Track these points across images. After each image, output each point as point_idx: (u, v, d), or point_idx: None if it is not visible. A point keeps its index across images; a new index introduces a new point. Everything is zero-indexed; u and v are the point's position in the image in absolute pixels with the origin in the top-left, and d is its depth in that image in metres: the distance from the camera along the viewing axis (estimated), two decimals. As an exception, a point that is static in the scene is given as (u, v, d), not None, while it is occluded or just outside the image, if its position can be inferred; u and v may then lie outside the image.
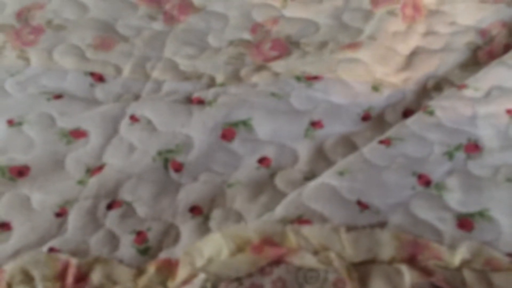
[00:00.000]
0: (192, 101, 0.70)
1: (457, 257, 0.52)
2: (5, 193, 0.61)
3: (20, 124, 0.66)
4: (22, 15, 0.78)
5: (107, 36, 0.78)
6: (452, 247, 0.53)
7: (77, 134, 0.66)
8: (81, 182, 0.61)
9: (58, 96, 0.70)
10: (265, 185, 0.61)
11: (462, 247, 0.52)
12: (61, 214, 0.59)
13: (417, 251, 0.53)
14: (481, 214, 0.56)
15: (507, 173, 0.58)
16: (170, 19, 0.82)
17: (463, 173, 0.59)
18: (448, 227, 0.55)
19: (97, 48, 0.77)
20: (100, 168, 0.62)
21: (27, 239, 0.56)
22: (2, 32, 0.76)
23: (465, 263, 0.51)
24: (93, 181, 0.61)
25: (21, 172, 0.63)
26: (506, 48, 0.73)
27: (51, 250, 0.55)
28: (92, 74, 0.73)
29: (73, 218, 0.58)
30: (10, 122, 0.66)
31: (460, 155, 0.60)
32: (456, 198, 0.57)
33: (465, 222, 0.55)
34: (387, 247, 0.52)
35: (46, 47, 0.75)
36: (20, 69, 0.72)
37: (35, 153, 0.64)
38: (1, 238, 0.57)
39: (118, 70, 0.75)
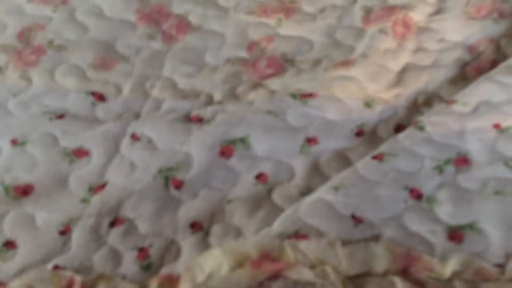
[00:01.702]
0: (191, 119, 0.71)
1: (448, 269, 0.54)
2: (10, 211, 0.63)
3: (23, 143, 0.68)
4: (24, 36, 0.80)
5: (107, 56, 0.80)
6: (443, 258, 0.55)
7: (80, 153, 0.67)
8: (84, 201, 0.63)
9: (60, 116, 0.72)
10: (262, 200, 0.63)
11: (453, 258, 0.54)
12: (65, 232, 0.61)
13: (409, 263, 0.55)
14: (471, 226, 0.58)
15: (495, 186, 0.61)
16: (168, 39, 0.84)
17: (453, 187, 0.61)
18: (439, 239, 0.57)
19: (98, 68, 0.78)
20: (102, 186, 0.64)
21: (32, 256, 0.58)
22: (4, 53, 0.78)
23: (455, 274, 0.53)
24: (96, 199, 0.63)
25: (25, 191, 0.64)
26: (493, 64, 0.75)
27: (56, 267, 0.57)
28: (93, 94, 0.75)
29: (77, 236, 0.60)
30: (14, 142, 0.68)
31: (450, 169, 0.62)
32: (447, 211, 0.59)
33: (455, 235, 0.57)
34: (381, 260, 0.54)
35: (48, 68, 0.77)
36: (22, 89, 0.74)
37: (39, 172, 0.66)
38: (7, 256, 0.58)
39: (119, 89, 0.76)
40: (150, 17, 0.85)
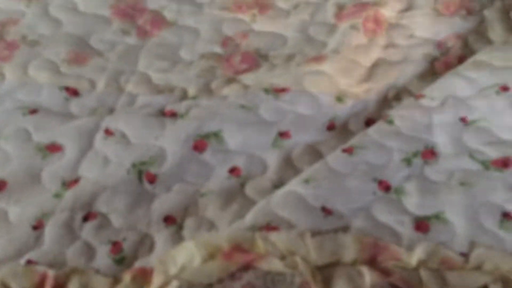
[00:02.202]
0: (165, 114, 0.72)
1: (414, 258, 0.56)
2: (-18, 207, 0.63)
3: (-4, 139, 0.68)
4: (-4, 30, 0.80)
5: (81, 51, 0.80)
6: (410, 248, 0.56)
7: (53, 148, 0.67)
8: (57, 195, 0.63)
9: (34, 111, 0.71)
10: (236, 194, 0.64)
11: (419, 248, 0.56)
12: (38, 227, 0.61)
13: (377, 253, 0.56)
14: (437, 216, 0.60)
15: (460, 177, 0.63)
16: (143, 34, 0.84)
17: (420, 178, 0.63)
18: (406, 230, 0.58)
19: (72, 63, 0.78)
20: (76, 181, 0.64)
21: (5, 251, 0.58)
22: (-23, 48, 0.78)
23: (421, 263, 0.55)
24: (69, 194, 0.63)
25: (-2, 186, 0.65)
26: (460, 59, 0.77)
27: (29, 262, 0.57)
28: (67, 89, 0.75)
29: (50, 231, 0.60)
30: (-13, 137, 0.69)
31: (418, 161, 0.64)
32: (414, 202, 0.61)
33: (421, 225, 0.59)
34: (349, 250, 0.56)
35: (21, 62, 0.77)
36: (-5, 84, 0.74)
37: (12, 168, 0.65)
38: (-20, 251, 0.59)
39: (93, 84, 0.76)
40: (124, 12, 0.86)
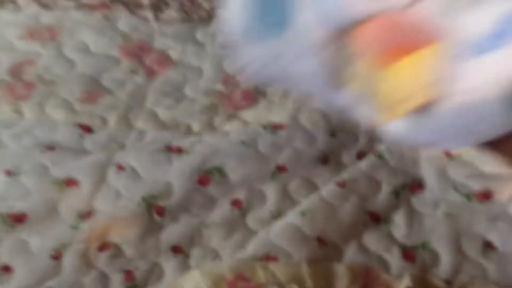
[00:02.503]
0: (171, 150, 0.77)
1: (402, 285, 0.61)
2: (5, 238, 0.68)
3: (17, 174, 0.73)
4: (15, 71, 0.85)
5: (94, 90, 0.85)
6: (398, 276, 0.62)
7: (69, 182, 0.73)
8: (74, 227, 0.68)
9: (51, 147, 0.77)
10: (237, 224, 0.69)
11: (407, 276, 0.61)
12: (57, 256, 0.66)
13: (368, 281, 0.61)
14: (423, 246, 0.65)
15: (445, 208, 0.68)
16: (150, 73, 0.89)
17: (408, 209, 0.68)
18: (395, 259, 0.64)
19: (85, 101, 0.83)
20: (91, 213, 0.70)
21: (27, 280, 0.63)
22: (-3, 87, 0.84)
23: (408, 290, 0.61)
24: (85, 226, 0.68)
25: (19, 218, 0.70)
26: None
27: (49, 290, 0.62)
28: (81, 126, 0.80)
29: (68, 260, 0.65)
30: (8, 173, 0.73)
31: (405, 193, 0.70)
32: (402, 232, 0.66)
33: (409, 254, 0.64)
34: (343, 279, 0.61)
35: (38, 101, 0.82)
36: (14, 122, 0.79)
37: (31, 201, 0.71)
38: (3, 279, 0.63)
39: (104, 121, 0.81)
40: (133, 53, 0.91)
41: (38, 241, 0.68)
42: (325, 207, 0.67)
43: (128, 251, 0.66)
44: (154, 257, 0.66)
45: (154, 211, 0.70)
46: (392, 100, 0.35)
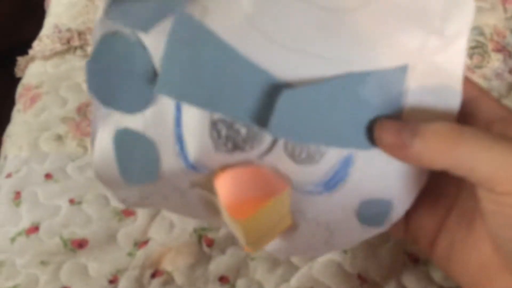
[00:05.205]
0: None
1: (440, 325, 0.63)
2: (66, 262, 0.74)
3: (79, 203, 0.80)
4: (82, 110, 0.94)
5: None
6: (436, 315, 0.64)
7: (127, 213, 0.79)
8: (130, 254, 0.74)
9: (111, 180, 0.84)
10: (281, 259, 0.73)
11: (444, 316, 0.64)
12: (113, 281, 0.71)
13: (407, 319, 0.64)
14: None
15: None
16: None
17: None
18: (433, 298, 0.67)
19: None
20: (145, 242, 0.75)
21: (85, 301, 0.69)
22: (65, 124, 0.92)
23: (447, 330, 0.63)
24: (140, 253, 0.74)
25: (80, 244, 0.76)
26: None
27: (106, 312, 0.67)
28: (139, 161, 0.88)
29: (123, 285, 0.70)
30: (72, 201, 0.81)
31: (443, 237, 0.73)
32: (440, 274, 0.69)
33: (447, 294, 0.67)
34: (382, 315, 0.64)
35: (101, 138, 0.90)
36: (79, 155, 0.87)
37: (93, 228, 0.77)
38: (63, 300, 0.69)
39: (160, 158, 0.89)
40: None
41: (97, 265, 0.73)
42: (366, 246, 0.71)
43: (179, 279, 0.71)
44: (203, 285, 0.70)
45: (204, 242, 0.75)
46: (256, 238, 0.37)
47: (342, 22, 0.29)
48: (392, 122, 0.31)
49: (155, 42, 0.30)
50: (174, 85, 0.30)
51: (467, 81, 0.33)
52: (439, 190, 0.35)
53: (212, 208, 0.38)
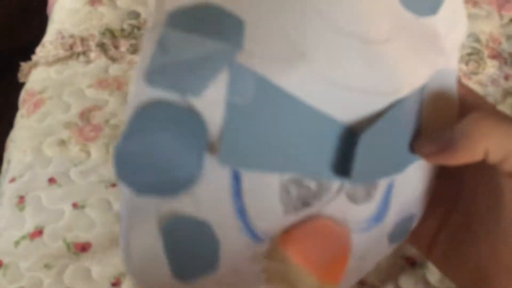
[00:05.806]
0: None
1: (437, 327, 0.65)
2: (69, 265, 0.75)
3: (83, 207, 0.82)
4: (84, 115, 0.95)
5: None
6: (433, 317, 0.66)
7: (130, 217, 0.80)
8: (133, 257, 0.75)
9: (114, 184, 0.85)
10: None
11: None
12: (116, 283, 0.73)
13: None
14: (456, 290, 0.69)
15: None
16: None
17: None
18: (430, 301, 0.68)
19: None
20: (148, 245, 0.77)
21: (88, 304, 0.70)
22: (68, 129, 0.93)
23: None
24: (143, 256, 0.75)
25: (84, 247, 0.77)
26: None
27: (109, 314, 0.69)
28: (141, 166, 0.89)
29: (126, 287, 0.72)
30: (75, 205, 0.82)
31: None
32: (436, 277, 0.70)
33: (443, 297, 0.68)
34: (380, 317, 0.66)
35: (104, 143, 0.91)
36: (82, 160, 0.88)
37: (96, 232, 0.79)
38: (67, 303, 0.71)
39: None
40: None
41: (100, 269, 0.75)
42: (364, 250, 0.73)
43: (181, 282, 0.72)
44: (204, 289, 0.72)
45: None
46: None
47: (379, 55, 0.28)
48: (429, 135, 0.33)
49: (210, 105, 0.25)
50: (241, 152, 0.26)
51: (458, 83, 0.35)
52: (439, 193, 0.37)
53: (277, 279, 0.32)
